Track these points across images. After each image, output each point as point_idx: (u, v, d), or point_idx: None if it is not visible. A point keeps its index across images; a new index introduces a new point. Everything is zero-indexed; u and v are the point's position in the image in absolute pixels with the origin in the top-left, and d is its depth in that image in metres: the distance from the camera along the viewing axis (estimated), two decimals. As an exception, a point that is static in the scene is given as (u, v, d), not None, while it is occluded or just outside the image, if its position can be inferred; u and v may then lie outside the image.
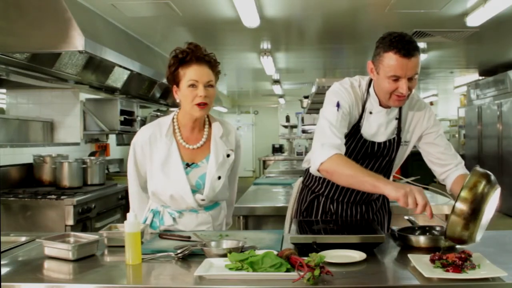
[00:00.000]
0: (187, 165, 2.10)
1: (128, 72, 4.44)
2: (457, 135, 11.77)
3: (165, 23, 5.07)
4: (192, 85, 2.02)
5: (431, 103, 14.74)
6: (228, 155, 2.17)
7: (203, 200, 2.11)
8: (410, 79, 1.87)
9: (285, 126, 9.60)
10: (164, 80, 5.62)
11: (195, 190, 2.10)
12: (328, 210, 2.22)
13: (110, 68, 4.26)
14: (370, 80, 2.06)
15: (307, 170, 2.29)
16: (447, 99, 13.97)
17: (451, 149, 2.11)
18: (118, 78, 4.63)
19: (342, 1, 4.50)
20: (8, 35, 3.15)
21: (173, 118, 2.15)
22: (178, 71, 2.05)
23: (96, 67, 4.11)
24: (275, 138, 14.11)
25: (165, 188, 2.08)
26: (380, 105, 2.03)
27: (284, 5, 4.61)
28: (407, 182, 3.74)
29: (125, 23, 4.76)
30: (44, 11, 3.21)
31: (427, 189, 3.27)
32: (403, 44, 1.83)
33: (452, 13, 4.85)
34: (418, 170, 3.29)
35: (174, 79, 2.07)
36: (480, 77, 9.41)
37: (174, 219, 2.12)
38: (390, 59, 1.85)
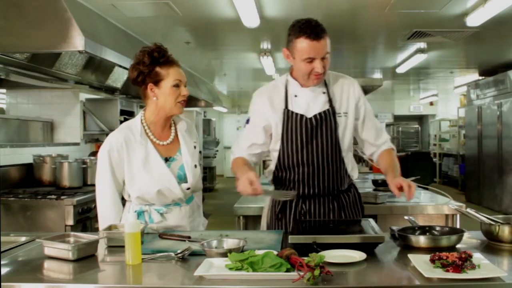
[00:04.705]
0: (166, 160, 2.18)
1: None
2: (457, 135, 11.77)
3: (165, 23, 5.07)
4: (177, 85, 2.13)
5: (431, 103, 14.76)
6: (194, 147, 2.29)
7: (188, 188, 2.19)
8: (323, 59, 2.07)
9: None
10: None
11: (177, 181, 2.17)
12: (301, 209, 2.23)
13: (110, 68, 4.26)
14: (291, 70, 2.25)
15: (272, 175, 2.33)
16: (447, 99, 13.97)
17: (379, 130, 2.33)
18: (118, 78, 4.63)
19: (342, 1, 4.50)
20: (8, 35, 3.15)
21: (141, 120, 2.20)
22: (157, 70, 2.11)
23: (96, 67, 4.12)
24: (275, 138, 14.09)
25: (150, 186, 2.12)
26: (302, 86, 2.21)
27: (284, 5, 4.61)
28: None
29: (125, 23, 4.76)
30: (44, 11, 3.21)
31: (427, 189, 3.29)
32: (311, 29, 2.03)
33: (452, 13, 4.85)
34: (418, 170, 3.30)
35: (151, 77, 2.12)
36: (480, 77, 9.41)
37: (162, 214, 2.17)
38: (302, 44, 2.04)
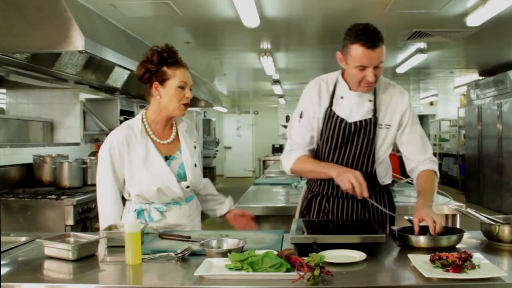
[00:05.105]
0: (166, 158, 2.19)
1: (128, 72, 4.45)
2: (457, 135, 11.77)
3: (165, 23, 5.07)
4: (182, 87, 2.14)
5: (431, 103, 14.76)
6: (194, 147, 2.31)
7: (187, 187, 2.20)
8: (376, 67, 2.01)
9: (285, 126, 9.61)
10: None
11: (177, 180, 2.18)
12: (324, 208, 2.24)
13: (110, 68, 4.26)
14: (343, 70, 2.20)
15: None
16: (447, 99, 13.97)
17: (423, 145, 2.22)
18: (118, 78, 4.63)
19: (342, 1, 4.50)
20: (8, 35, 3.14)
21: (142, 118, 2.21)
22: (164, 70, 2.12)
23: (96, 67, 4.11)
24: (275, 138, 14.12)
25: (150, 184, 2.12)
26: (350, 89, 2.16)
27: (284, 5, 4.61)
28: (407, 182, 3.74)
29: (125, 23, 4.76)
30: (44, 11, 3.21)
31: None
32: (367, 36, 1.95)
33: (452, 13, 4.85)
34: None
35: (158, 76, 2.13)
36: (480, 77, 9.41)
37: (161, 213, 2.17)
38: (356, 50, 1.97)
